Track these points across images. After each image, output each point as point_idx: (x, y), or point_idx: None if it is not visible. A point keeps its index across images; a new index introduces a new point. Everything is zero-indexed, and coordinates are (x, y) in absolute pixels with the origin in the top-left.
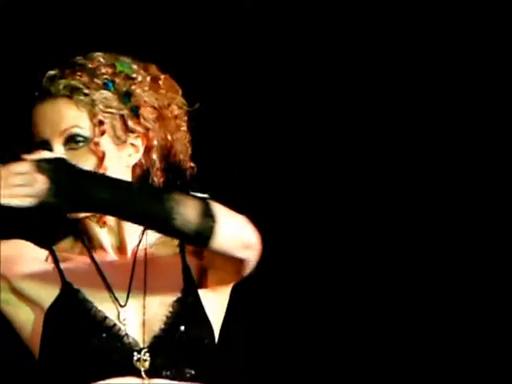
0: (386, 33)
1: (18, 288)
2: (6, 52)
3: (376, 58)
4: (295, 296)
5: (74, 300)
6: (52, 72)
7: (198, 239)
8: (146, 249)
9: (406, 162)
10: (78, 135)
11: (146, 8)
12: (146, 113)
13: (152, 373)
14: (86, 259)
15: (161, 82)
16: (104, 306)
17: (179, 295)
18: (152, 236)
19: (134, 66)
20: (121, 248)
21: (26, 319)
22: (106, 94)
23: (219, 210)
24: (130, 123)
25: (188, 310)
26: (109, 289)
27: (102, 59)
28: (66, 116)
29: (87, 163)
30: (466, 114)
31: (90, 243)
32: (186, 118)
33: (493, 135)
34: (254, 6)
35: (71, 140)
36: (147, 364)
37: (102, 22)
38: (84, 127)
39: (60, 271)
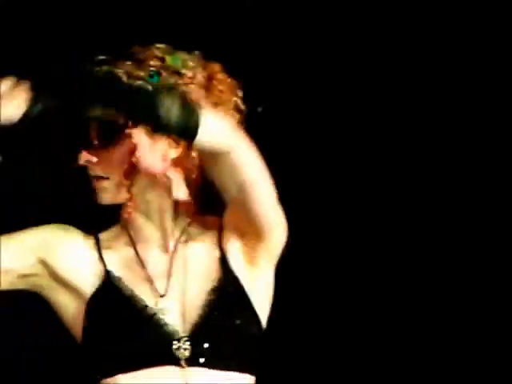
0: (387, 34)
1: (59, 274)
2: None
3: (377, 58)
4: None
5: (115, 289)
6: (101, 57)
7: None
8: (186, 241)
9: (408, 162)
10: (112, 124)
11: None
12: None
13: (191, 361)
14: (129, 250)
15: (216, 82)
16: (144, 295)
17: (217, 284)
18: (192, 230)
19: (190, 63)
20: (163, 242)
21: (67, 305)
22: (146, 85)
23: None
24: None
25: (227, 298)
26: (149, 279)
27: (155, 51)
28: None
29: (117, 153)
30: (465, 113)
31: (134, 235)
32: (237, 121)
33: (493, 135)
34: (254, 5)
35: (105, 128)
36: (187, 353)
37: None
38: (119, 117)
39: (102, 259)
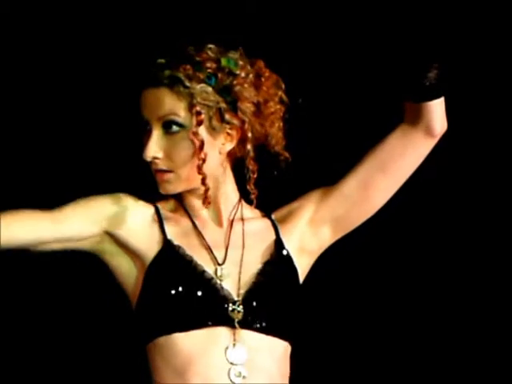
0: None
1: (122, 241)
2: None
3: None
4: None
5: (175, 254)
6: (161, 60)
7: None
8: (242, 219)
9: None
10: (175, 122)
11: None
12: (244, 107)
13: (244, 324)
14: (188, 221)
15: (263, 79)
16: (203, 262)
17: (271, 259)
18: (246, 211)
19: (240, 62)
20: (218, 219)
21: (129, 271)
22: (206, 87)
23: None
24: (227, 116)
25: (279, 273)
26: (208, 248)
27: (209, 53)
28: (165, 104)
29: (185, 149)
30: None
31: (190, 211)
32: (282, 113)
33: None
34: (258, 11)
35: (168, 125)
36: (240, 315)
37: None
38: (181, 116)
39: (162, 228)
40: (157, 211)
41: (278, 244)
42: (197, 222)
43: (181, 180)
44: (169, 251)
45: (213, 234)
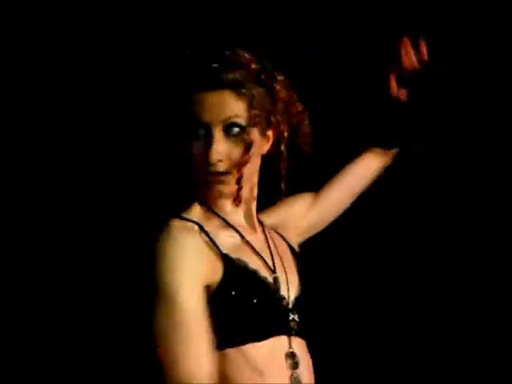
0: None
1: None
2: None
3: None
4: None
5: (238, 268)
6: (215, 65)
7: None
8: (260, 222)
9: None
10: (237, 124)
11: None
12: (281, 108)
13: (298, 333)
14: (231, 232)
15: (286, 80)
16: (262, 272)
17: (298, 267)
18: (266, 220)
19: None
20: (251, 223)
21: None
22: (260, 89)
23: None
24: (272, 117)
25: (305, 279)
26: (261, 257)
27: (248, 56)
28: (230, 106)
29: (238, 150)
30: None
31: (225, 216)
32: (306, 111)
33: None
34: (258, 11)
35: (230, 128)
36: (296, 325)
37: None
38: (242, 117)
39: (216, 246)
40: (204, 232)
41: (293, 250)
42: (239, 229)
43: (233, 181)
44: (232, 267)
45: (255, 240)
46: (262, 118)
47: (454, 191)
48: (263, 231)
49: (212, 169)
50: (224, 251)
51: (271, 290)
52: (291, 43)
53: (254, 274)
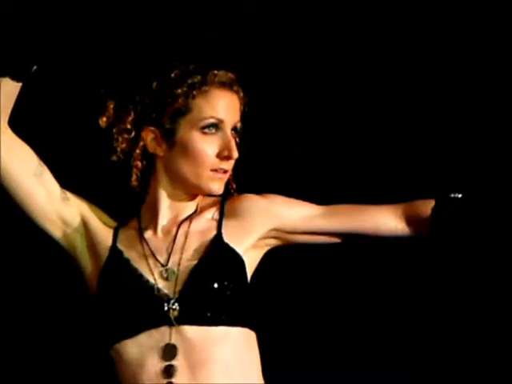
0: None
1: (90, 235)
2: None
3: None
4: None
5: (116, 262)
6: (220, 71)
7: None
8: (189, 221)
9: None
10: (237, 128)
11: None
12: None
13: (181, 320)
14: (134, 231)
15: None
16: (142, 268)
17: (205, 254)
18: (194, 212)
19: None
20: (168, 226)
21: (87, 269)
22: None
23: None
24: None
25: (216, 263)
26: (150, 254)
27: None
28: (238, 110)
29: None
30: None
31: (146, 219)
32: None
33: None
34: (258, 11)
35: (235, 130)
36: (176, 312)
37: None
38: (240, 121)
39: (114, 237)
40: (116, 227)
41: (218, 237)
42: (145, 230)
43: (225, 181)
44: (112, 259)
45: (160, 239)
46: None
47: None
48: (178, 226)
49: (223, 165)
50: (117, 243)
51: (142, 283)
52: (291, 43)
53: (129, 268)
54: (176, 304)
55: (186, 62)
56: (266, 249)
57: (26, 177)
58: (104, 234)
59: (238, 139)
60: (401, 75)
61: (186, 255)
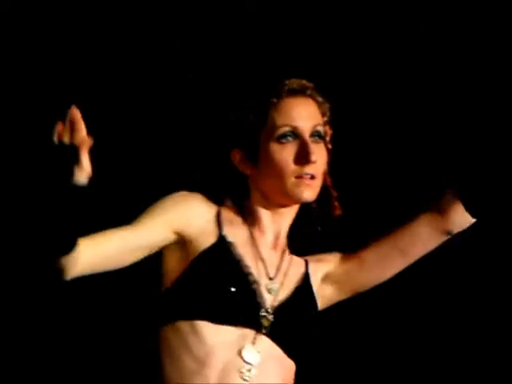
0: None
1: (184, 235)
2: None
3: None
4: None
5: (226, 250)
6: (291, 79)
7: None
8: (287, 251)
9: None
10: (319, 132)
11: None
12: (329, 133)
13: (268, 332)
14: (246, 230)
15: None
16: (252, 267)
17: (301, 286)
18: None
19: None
20: (274, 240)
21: (177, 255)
22: (325, 106)
23: None
24: (327, 127)
25: (305, 299)
26: (262, 259)
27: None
28: (315, 113)
29: (324, 158)
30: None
31: (252, 223)
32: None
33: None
34: (258, 11)
35: (315, 135)
36: (268, 323)
37: None
38: (321, 125)
39: (220, 225)
40: (218, 212)
41: (306, 276)
42: (255, 233)
43: (318, 188)
44: (220, 246)
45: (268, 252)
46: (327, 133)
47: None
48: (283, 253)
49: (306, 170)
50: (223, 232)
51: (249, 281)
52: (291, 44)
53: (237, 260)
54: (272, 316)
55: (259, 80)
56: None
57: (120, 261)
58: (206, 222)
59: (325, 143)
60: (401, 75)
61: (287, 280)
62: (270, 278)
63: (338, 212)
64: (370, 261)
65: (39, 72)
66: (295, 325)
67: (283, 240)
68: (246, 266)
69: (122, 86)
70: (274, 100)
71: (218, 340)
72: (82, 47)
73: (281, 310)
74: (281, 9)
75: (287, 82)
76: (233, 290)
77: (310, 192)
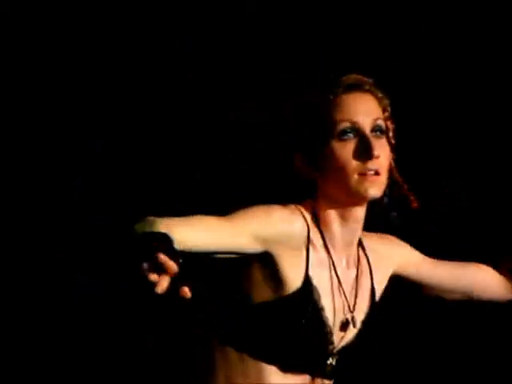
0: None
1: (274, 262)
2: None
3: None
4: None
5: (309, 299)
6: (348, 75)
7: None
8: (360, 261)
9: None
10: (381, 126)
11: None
12: (392, 128)
13: (328, 376)
14: (325, 254)
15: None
16: (330, 303)
17: (367, 317)
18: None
19: None
20: (347, 257)
21: (265, 279)
22: (385, 101)
23: None
24: (389, 122)
25: (369, 334)
26: (344, 295)
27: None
28: (374, 108)
29: (387, 153)
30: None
31: (326, 237)
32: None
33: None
34: (258, 11)
35: (376, 130)
36: (330, 368)
37: None
38: (382, 119)
39: (307, 260)
40: (308, 234)
41: (373, 294)
42: (332, 253)
43: (383, 184)
44: (305, 293)
45: (345, 275)
46: (389, 128)
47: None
48: (357, 263)
49: (369, 166)
50: (310, 272)
51: (325, 332)
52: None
53: (319, 310)
54: (334, 360)
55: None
56: None
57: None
58: (296, 253)
59: (389, 138)
60: (401, 75)
61: (358, 308)
62: (351, 311)
63: (415, 205)
64: (442, 276)
65: (39, 72)
66: (354, 367)
67: (356, 244)
68: (325, 317)
69: (122, 86)
70: (331, 97)
71: (278, 381)
72: (82, 47)
73: (344, 353)
74: (281, 9)
75: (344, 77)
76: (306, 343)
77: (375, 188)
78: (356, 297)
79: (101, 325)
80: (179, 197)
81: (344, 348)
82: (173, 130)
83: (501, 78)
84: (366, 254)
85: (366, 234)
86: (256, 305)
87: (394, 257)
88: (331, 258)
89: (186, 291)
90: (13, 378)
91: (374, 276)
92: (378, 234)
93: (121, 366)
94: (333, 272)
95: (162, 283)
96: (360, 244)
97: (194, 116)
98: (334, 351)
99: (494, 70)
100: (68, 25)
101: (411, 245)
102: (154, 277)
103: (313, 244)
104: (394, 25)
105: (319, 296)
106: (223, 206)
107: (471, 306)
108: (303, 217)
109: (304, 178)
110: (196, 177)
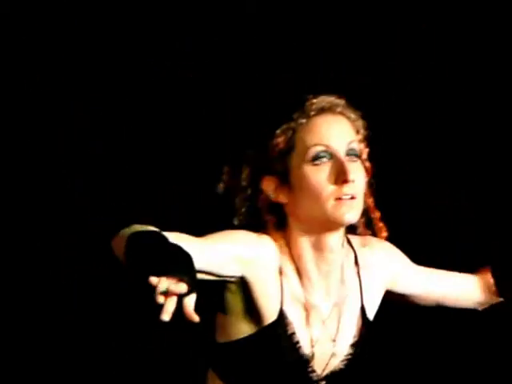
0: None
1: (251, 291)
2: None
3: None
4: None
5: (284, 332)
6: (319, 97)
7: None
8: (343, 282)
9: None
10: (355, 150)
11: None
12: (366, 153)
13: None
14: (298, 284)
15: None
16: (306, 334)
17: (358, 339)
18: (349, 283)
19: None
20: (326, 285)
21: (239, 307)
22: (359, 123)
23: None
24: (363, 144)
25: (364, 355)
26: (322, 323)
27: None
28: (348, 131)
29: (362, 177)
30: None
31: (300, 265)
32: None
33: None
34: (258, 11)
35: (350, 153)
36: None
37: None
38: (356, 142)
39: (281, 292)
40: (280, 265)
41: (363, 313)
42: (305, 285)
43: (359, 208)
44: (280, 326)
45: (322, 303)
46: (363, 150)
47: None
48: (344, 286)
49: (345, 190)
50: (284, 306)
51: (303, 362)
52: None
53: (294, 344)
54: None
55: (287, 100)
56: None
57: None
58: (272, 283)
59: (363, 161)
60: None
61: (343, 334)
62: (333, 340)
63: (383, 233)
64: (419, 285)
65: (39, 72)
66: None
67: (340, 270)
68: (302, 350)
69: (122, 86)
70: (303, 120)
71: None
72: (82, 47)
73: (333, 375)
74: (281, 9)
75: (315, 100)
76: (286, 373)
77: (352, 213)
78: (339, 323)
79: (101, 325)
80: (179, 197)
81: (334, 373)
82: (173, 129)
83: (501, 78)
84: (359, 274)
85: (362, 241)
86: (236, 338)
87: (388, 274)
88: (307, 290)
89: (194, 317)
90: (13, 378)
91: (364, 296)
92: (375, 239)
93: (121, 366)
94: (308, 305)
95: (169, 308)
96: (355, 261)
97: (194, 116)
98: (321, 377)
99: (494, 70)
100: (68, 25)
101: (411, 245)
102: (161, 298)
103: (286, 276)
104: (394, 25)
105: (293, 330)
106: (223, 206)
107: (468, 316)
108: (274, 245)
109: (271, 202)
110: (196, 177)
